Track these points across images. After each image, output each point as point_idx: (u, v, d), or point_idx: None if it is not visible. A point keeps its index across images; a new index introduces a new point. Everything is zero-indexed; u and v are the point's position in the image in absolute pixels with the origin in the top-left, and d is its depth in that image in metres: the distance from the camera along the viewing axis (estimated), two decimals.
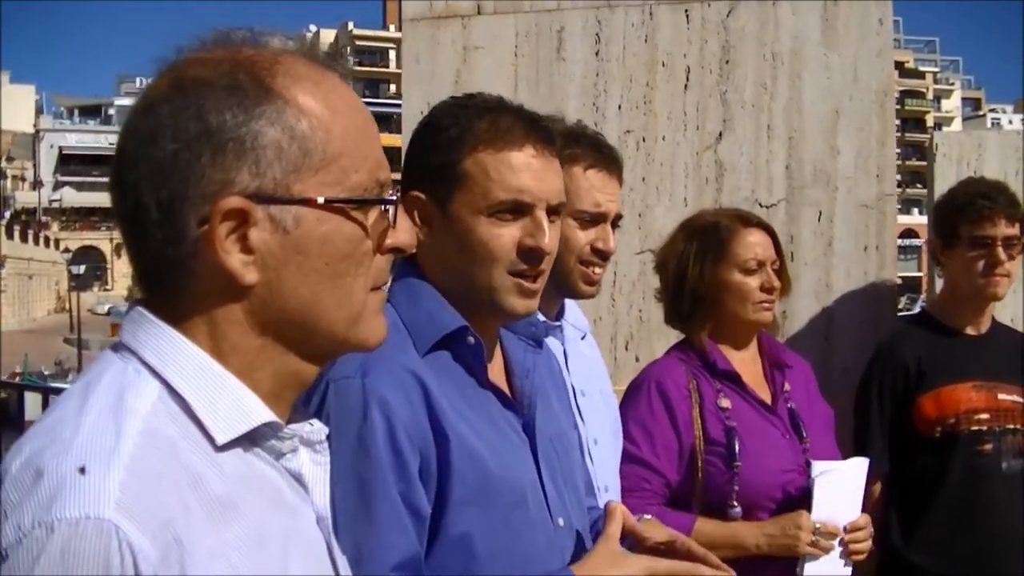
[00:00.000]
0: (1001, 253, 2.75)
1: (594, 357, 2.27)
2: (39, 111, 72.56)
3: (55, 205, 69.10)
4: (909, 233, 46.83)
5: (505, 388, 1.58)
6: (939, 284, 3.11)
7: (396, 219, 1.04)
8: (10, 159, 71.25)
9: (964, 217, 2.78)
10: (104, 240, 68.85)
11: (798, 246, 3.25)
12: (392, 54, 70.43)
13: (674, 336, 2.59)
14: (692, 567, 1.56)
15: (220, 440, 0.95)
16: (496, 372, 1.58)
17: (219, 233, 0.94)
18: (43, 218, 68.25)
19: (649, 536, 1.59)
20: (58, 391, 6.62)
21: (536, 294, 1.55)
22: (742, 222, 2.49)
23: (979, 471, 2.75)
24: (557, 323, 2.01)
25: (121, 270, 68.86)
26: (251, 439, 0.98)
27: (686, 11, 3.33)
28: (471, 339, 1.52)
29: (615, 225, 2.09)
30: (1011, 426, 2.77)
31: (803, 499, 2.31)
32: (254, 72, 0.97)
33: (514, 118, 1.54)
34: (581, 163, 2.01)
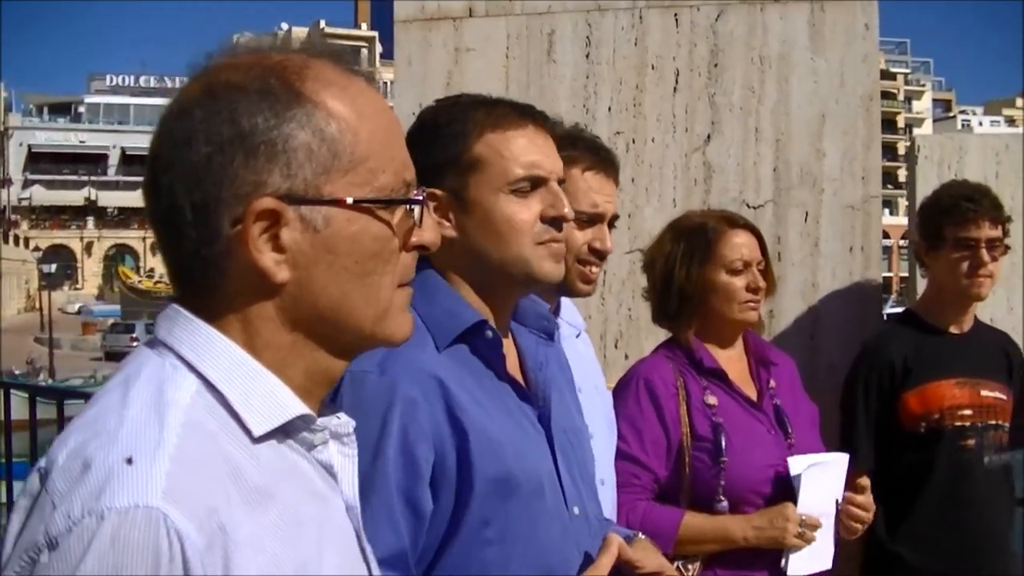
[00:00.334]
0: (985, 254, 2.80)
1: (588, 354, 2.30)
2: (8, 108, 71.44)
3: (24, 204, 68.24)
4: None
5: (520, 381, 1.61)
6: (921, 285, 3.16)
7: (422, 217, 1.07)
8: None
9: (949, 219, 2.83)
10: (74, 239, 68.20)
11: (785, 247, 3.30)
12: (364, 52, 70.17)
13: (663, 335, 2.62)
14: None
15: (257, 432, 0.97)
16: (511, 365, 1.60)
17: (252, 233, 0.96)
18: (12, 216, 67.38)
19: (640, 564, 1.60)
20: (45, 389, 6.56)
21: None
22: (728, 223, 2.52)
23: (962, 466, 2.80)
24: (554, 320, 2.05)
25: (91, 269, 68.21)
26: (284, 431, 1.01)
27: (675, 15, 3.36)
28: (489, 333, 1.55)
29: (611, 225, 2.13)
30: (993, 422, 2.83)
31: (788, 493, 2.35)
32: (284, 77, 0.99)
33: (506, 105, 1.61)
34: (579, 165, 2.04)
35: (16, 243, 60.51)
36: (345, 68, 1.05)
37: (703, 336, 2.51)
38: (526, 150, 1.56)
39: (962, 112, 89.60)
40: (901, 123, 79.76)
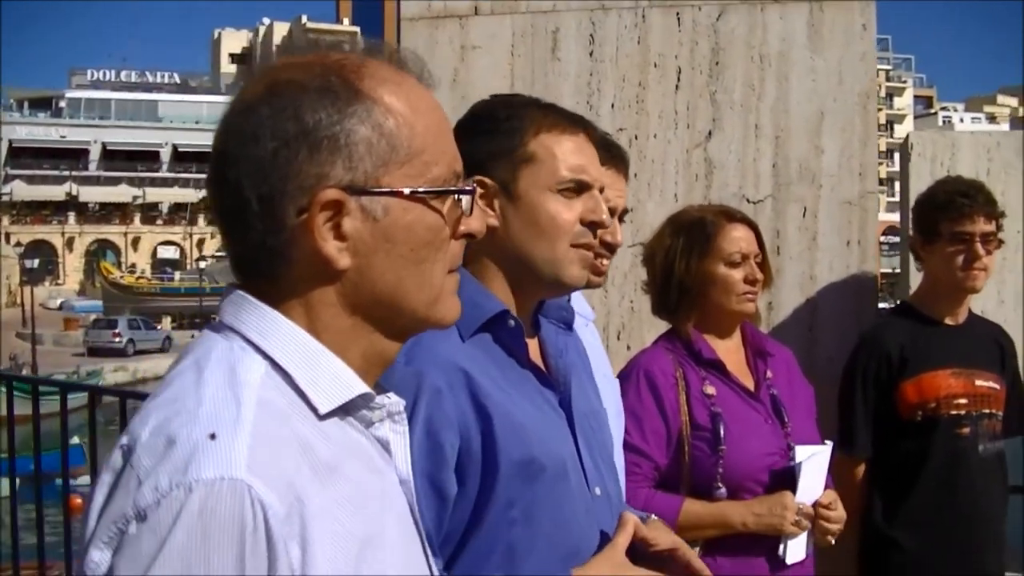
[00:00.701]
0: (979, 248, 2.85)
1: (596, 343, 2.36)
2: None
3: (5, 199, 67.52)
4: None
5: (542, 367, 1.67)
6: (914, 278, 3.22)
7: (472, 207, 1.12)
8: None
9: (944, 214, 2.89)
10: (55, 234, 67.46)
11: (784, 241, 3.35)
12: (347, 48, 69.61)
13: (664, 326, 2.67)
14: None
15: (323, 409, 1.03)
16: (533, 352, 1.66)
17: (317, 222, 1.01)
18: None
19: (655, 540, 1.65)
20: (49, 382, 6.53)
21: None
22: (727, 217, 2.57)
23: (957, 453, 2.87)
24: None
25: (73, 264, 67.57)
26: (346, 409, 1.06)
27: (677, 14, 3.41)
28: (512, 322, 1.60)
29: (621, 219, 2.18)
30: (987, 410, 2.90)
31: (785, 481, 2.40)
32: (344, 75, 1.05)
33: (561, 110, 1.68)
34: None
35: None
36: (398, 66, 1.11)
37: (702, 328, 2.55)
38: (576, 155, 1.63)
39: (943, 109, 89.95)
40: (883, 119, 79.95)
